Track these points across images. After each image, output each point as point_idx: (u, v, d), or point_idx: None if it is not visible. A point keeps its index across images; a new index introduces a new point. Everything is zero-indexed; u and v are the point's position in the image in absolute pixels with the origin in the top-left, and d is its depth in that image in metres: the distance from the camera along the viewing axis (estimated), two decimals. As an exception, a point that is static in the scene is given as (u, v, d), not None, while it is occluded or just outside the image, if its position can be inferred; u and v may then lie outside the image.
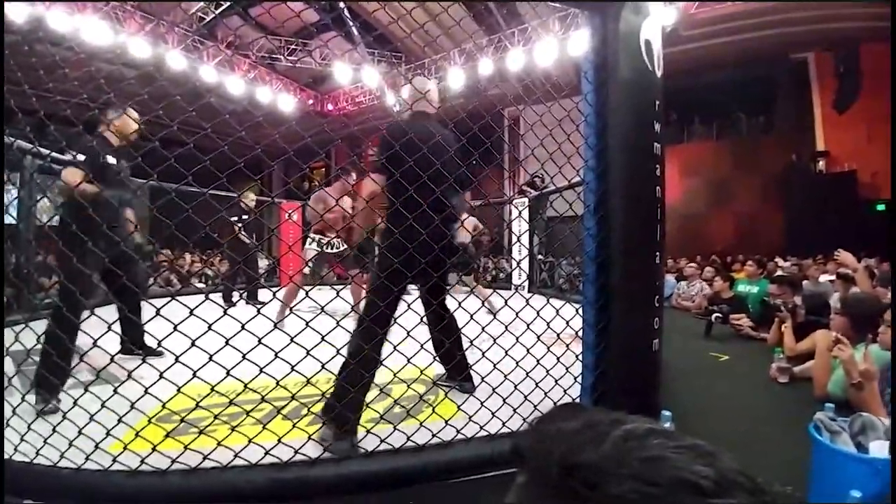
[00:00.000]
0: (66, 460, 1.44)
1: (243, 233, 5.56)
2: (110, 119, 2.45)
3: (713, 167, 11.39)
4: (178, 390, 1.41)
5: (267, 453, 1.47)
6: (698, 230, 11.26)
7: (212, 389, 1.44)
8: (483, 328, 1.77)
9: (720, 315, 4.25)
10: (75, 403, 1.59)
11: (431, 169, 1.77)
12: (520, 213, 6.06)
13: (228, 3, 8.96)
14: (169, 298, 1.36)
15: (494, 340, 1.77)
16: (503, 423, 1.73)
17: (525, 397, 1.81)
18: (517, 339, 1.82)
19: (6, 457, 1.42)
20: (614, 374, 1.64)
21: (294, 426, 1.57)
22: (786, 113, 10.62)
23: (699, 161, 11.61)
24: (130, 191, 2.62)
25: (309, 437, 1.59)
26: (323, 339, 1.54)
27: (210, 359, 1.34)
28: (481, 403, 1.78)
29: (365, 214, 2.02)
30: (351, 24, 8.65)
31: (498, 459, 1.56)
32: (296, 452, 1.49)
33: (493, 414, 1.72)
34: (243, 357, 1.37)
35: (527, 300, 1.75)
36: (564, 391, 1.81)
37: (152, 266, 7.06)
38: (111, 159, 2.44)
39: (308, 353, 1.45)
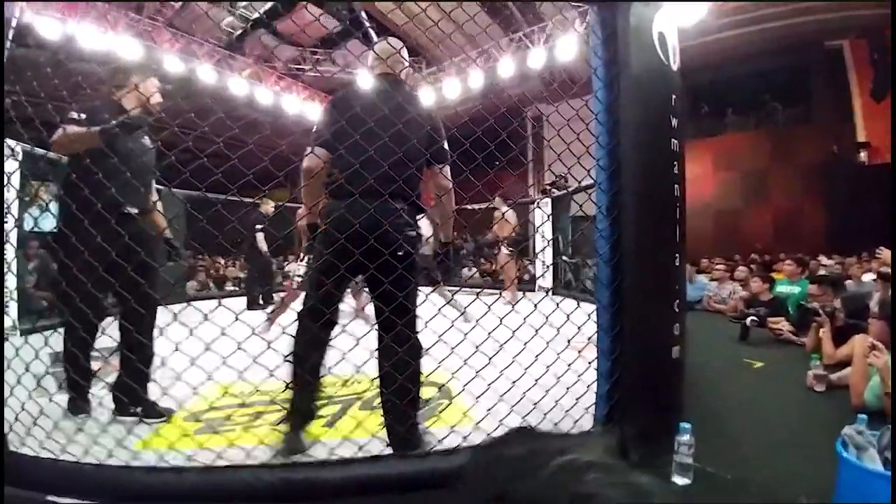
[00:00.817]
0: (89, 457, 1.49)
1: (261, 240, 5.69)
2: (131, 80, 2.00)
3: (750, 160, 10.85)
4: (194, 391, 1.46)
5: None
6: (736, 227, 10.76)
7: (225, 392, 1.49)
8: (489, 333, 1.73)
9: (756, 318, 4.03)
10: (100, 404, 1.69)
11: (376, 141, 1.49)
12: (531, 211, 5.96)
13: (256, 17, 9.24)
14: (185, 304, 1.42)
15: (501, 346, 1.73)
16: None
17: (534, 405, 1.76)
18: (525, 344, 1.78)
19: (33, 454, 1.48)
20: (630, 382, 1.58)
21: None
22: (824, 102, 10.04)
23: (735, 154, 11.09)
24: (150, 170, 2.08)
25: (317, 440, 1.61)
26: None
27: (223, 362, 1.40)
28: (488, 410, 1.74)
29: (307, 194, 1.69)
30: (368, 25, 8.76)
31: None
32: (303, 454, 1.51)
33: (500, 422, 1.68)
34: (253, 360, 1.42)
35: (535, 304, 1.68)
36: (577, 399, 1.74)
37: (189, 271, 7.32)
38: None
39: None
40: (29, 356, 1.61)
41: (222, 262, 8.66)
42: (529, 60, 8.49)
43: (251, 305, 5.47)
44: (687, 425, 1.48)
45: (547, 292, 5.71)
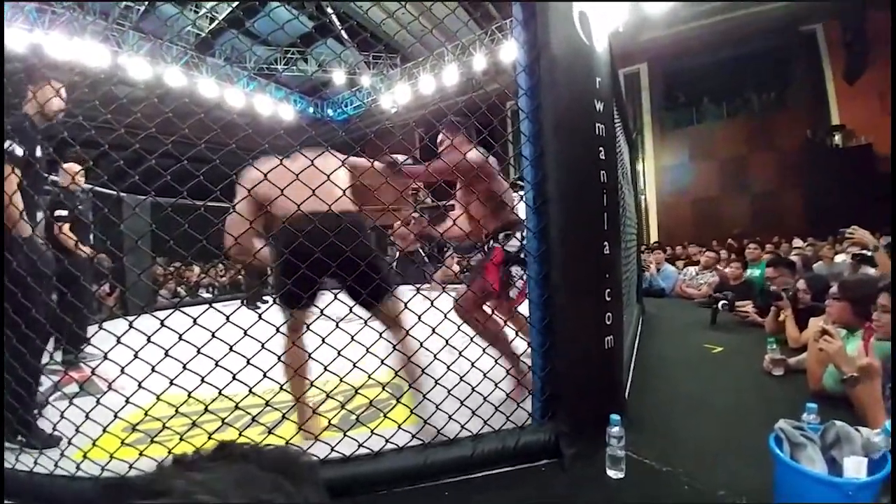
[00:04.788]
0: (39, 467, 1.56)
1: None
2: (33, 92, 1.94)
3: (726, 148, 10.94)
4: (157, 398, 1.49)
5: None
6: (714, 214, 10.85)
7: (189, 395, 1.49)
8: (433, 329, 1.67)
9: (726, 302, 4.01)
10: (62, 416, 1.63)
11: None
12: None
13: (221, 19, 9.07)
14: (172, 310, 1.42)
15: (447, 342, 1.67)
16: (462, 426, 1.62)
17: (484, 399, 1.70)
18: (472, 339, 1.71)
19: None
20: (561, 375, 1.52)
21: (269, 432, 1.59)
22: (798, 88, 10.12)
23: (711, 142, 11.18)
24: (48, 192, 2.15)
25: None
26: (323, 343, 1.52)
27: (184, 367, 1.39)
28: (437, 407, 1.68)
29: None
30: (340, 28, 8.64)
31: (443, 467, 1.47)
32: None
33: (449, 417, 1.62)
34: (215, 363, 1.42)
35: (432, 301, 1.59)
36: (507, 395, 1.68)
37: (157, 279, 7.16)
38: (39, 150, 1.95)
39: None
40: None
41: (196, 270, 8.48)
42: (502, 54, 8.45)
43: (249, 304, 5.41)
44: (616, 417, 1.42)
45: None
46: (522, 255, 1.84)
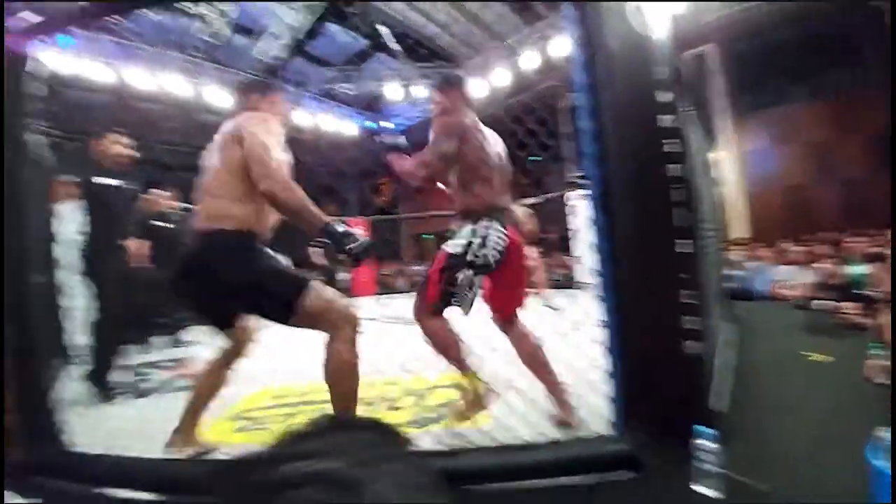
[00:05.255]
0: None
1: (316, 255, 6.13)
2: (92, 141, 2.61)
3: (810, 131, 9.80)
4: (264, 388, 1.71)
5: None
6: (804, 204, 9.72)
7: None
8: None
9: (824, 304, 3.61)
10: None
11: None
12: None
13: (288, 44, 9.74)
14: None
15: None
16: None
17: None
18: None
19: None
20: (640, 383, 1.45)
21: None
22: (881, 63, 8.82)
23: (795, 125, 10.07)
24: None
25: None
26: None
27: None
28: (512, 410, 1.69)
29: None
30: (395, 43, 8.91)
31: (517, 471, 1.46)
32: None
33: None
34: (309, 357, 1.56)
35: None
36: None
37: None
38: (109, 180, 2.56)
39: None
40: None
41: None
42: (554, 51, 8.28)
43: None
44: (704, 429, 1.32)
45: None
46: (471, 259, 1.64)
